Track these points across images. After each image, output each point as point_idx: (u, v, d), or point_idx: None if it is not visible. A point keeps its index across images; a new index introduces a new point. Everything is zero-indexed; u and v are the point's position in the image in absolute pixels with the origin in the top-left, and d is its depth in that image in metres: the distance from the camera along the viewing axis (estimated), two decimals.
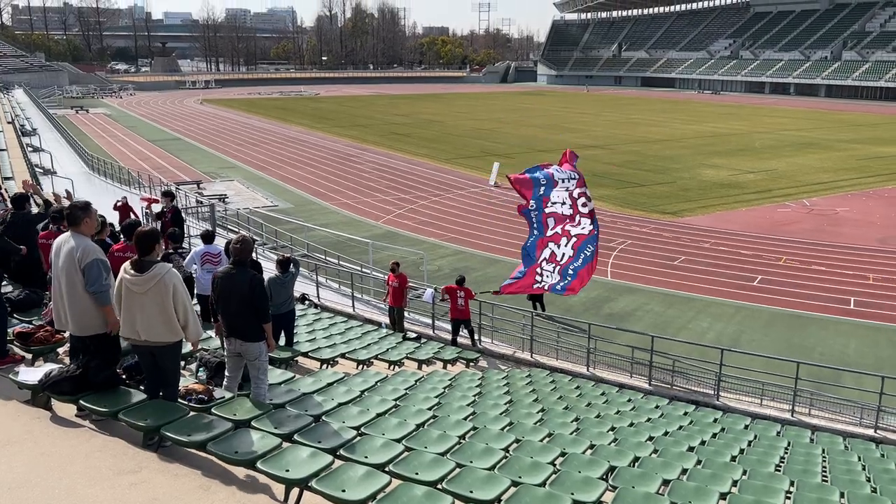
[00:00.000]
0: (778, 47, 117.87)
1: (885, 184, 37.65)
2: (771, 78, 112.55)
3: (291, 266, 10.83)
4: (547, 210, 13.94)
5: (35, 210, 11.11)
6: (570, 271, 13.88)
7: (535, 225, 14.12)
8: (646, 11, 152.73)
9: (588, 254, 13.85)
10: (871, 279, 22.05)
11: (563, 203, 13.92)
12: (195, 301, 11.00)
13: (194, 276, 10.60)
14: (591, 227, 13.91)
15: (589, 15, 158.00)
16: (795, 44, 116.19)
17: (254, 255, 7.81)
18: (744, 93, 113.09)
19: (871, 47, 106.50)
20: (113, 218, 17.56)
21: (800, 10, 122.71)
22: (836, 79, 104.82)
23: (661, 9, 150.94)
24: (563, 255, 13.88)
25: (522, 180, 13.96)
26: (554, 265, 14.02)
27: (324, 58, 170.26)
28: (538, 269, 14.21)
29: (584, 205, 13.96)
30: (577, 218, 13.90)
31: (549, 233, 13.99)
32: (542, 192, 13.82)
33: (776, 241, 26.25)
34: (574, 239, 13.83)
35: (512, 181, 13.84)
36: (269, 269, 12.09)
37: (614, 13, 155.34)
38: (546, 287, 14.18)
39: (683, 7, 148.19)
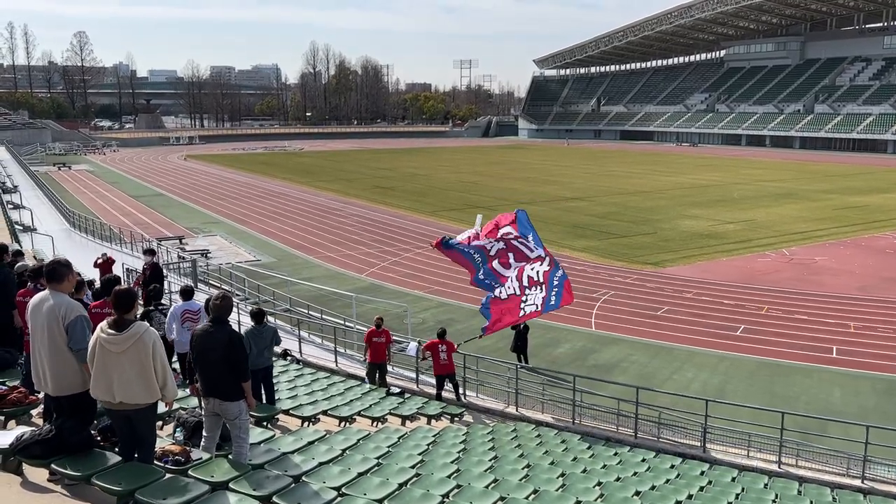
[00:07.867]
0: (752, 101, 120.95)
1: (861, 233, 38.25)
2: (746, 131, 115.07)
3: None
4: (492, 253, 14.63)
5: None
6: (556, 281, 14.24)
7: (483, 270, 14.74)
8: (623, 67, 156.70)
9: (561, 274, 14.39)
10: (852, 327, 22.20)
11: (498, 248, 14.64)
12: (175, 360, 10.79)
13: (173, 336, 10.29)
14: (549, 263, 14.45)
15: (568, 71, 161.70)
16: (769, 97, 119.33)
17: (234, 310, 7.70)
18: (721, 145, 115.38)
19: (842, 100, 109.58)
20: (94, 275, 17.42)
21: (772, 66, 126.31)
22: (810, 131, 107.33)
23: (638, 64, 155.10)
24: (538, 272, 14.37)
25: (451, 254, 14.77)
26: (534, 286, 14.34)
27: (308, 114, 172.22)
28: (523, 298, 14.32)
29: (528, 248, 14.57)
30: (527, 254, 14.58)
31: (511, 271, 14.55)
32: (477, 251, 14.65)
33: (758, 291, 26.44)
34: (537, 263, 14.44)
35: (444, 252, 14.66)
36: (245, 323, 11.95)
37: (592, 69, 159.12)
38: (538, 308, 14.29)
39: (659, 63, 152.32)
